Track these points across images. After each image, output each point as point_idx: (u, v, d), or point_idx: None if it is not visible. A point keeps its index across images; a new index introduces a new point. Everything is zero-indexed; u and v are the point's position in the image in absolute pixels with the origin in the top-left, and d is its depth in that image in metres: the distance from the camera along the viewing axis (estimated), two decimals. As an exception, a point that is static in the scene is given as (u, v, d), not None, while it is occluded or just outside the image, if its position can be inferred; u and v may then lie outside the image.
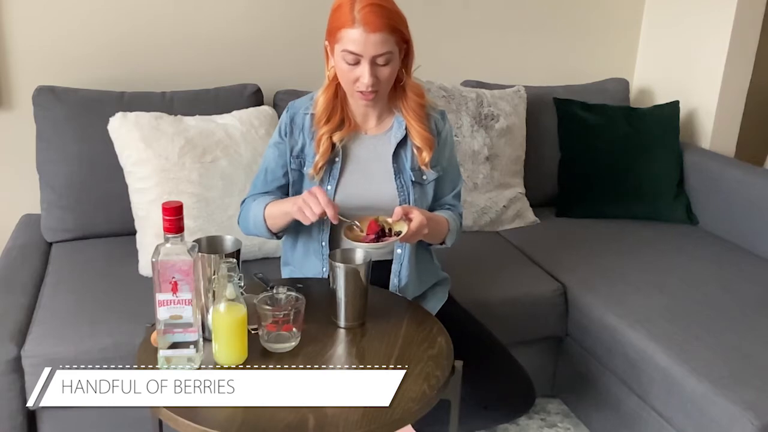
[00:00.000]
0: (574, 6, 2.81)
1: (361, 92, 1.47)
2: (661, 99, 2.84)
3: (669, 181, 2.55)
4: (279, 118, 2.14)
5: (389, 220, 1.47)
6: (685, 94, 2.71)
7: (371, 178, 1.59)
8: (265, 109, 2.17)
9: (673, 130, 2.61)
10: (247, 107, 2.17)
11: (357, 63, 1.44)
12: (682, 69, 2.76)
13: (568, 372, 2.12)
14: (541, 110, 2.59)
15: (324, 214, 1.42)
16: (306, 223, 1.45)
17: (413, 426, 1.55)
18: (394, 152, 1.59)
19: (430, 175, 1.61)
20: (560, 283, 2.07)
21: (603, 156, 2.55)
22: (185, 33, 2.32)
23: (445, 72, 2.53)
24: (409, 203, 1.58)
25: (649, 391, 1.77)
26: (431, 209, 1.65)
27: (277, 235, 1.62)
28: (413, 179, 1.59)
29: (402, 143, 1.59)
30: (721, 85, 2.61)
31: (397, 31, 1.43)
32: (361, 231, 1.46)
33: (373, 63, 1.43)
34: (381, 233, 1.45)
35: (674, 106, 2.63)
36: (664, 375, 1.70)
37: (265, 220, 1.57)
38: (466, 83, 2.59)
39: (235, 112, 2.12)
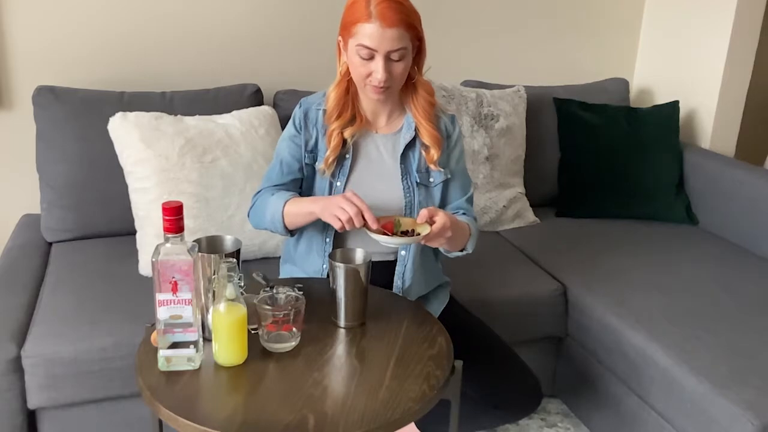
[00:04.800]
0: (574, 6, 2.81)
1: (373, 86, 1.48)
2: (661, 99, 2.84)
3: (669, 181, 2.55)
4: (279, 118, 2.16)
5: (411, 220, 1.49)
6: (685, 94, 2.71)
7: (380, 177, 1.60)
8: (265, 109, 2.17)
9: (673, 130, 2.61)
10: (247, 107, 2.16)
11: (371, 58, 1.45)
12: (682, 69, 2.76)
13: (568, 372, 2.12)
14: (541, 110, 2.59)
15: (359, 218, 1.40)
16: (338, 228, 1.42)
17: (416, 424, 1.55)
18: (403, 153, 1.60)
19: (436, 176, 1.61)
20: (560, 283, 2.07)
21: (603, 156, 2.55)
22: (185, 33, 2.33)
23: (445, 72, 2.52)
24: (414, 205, 1.58)
25: (649, 391, 1.77)
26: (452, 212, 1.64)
27: (291, 233, 1.60)
28: (418, 181, 1.59)
29: (411, 145, 1.60)
30: (721, 85, 2.61)
31: (412, 28, 1.45)
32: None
33: (387, 58, 1.44)
34: (404, 233, 1.46)
35: (674, 106, 2.63)
36: (664, 375, 1.70)
37: (283, 217, 1.54)
38: (466, 83, 2.58)
39: (235, 112, 2.12)
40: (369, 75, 1.47)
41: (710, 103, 2.66)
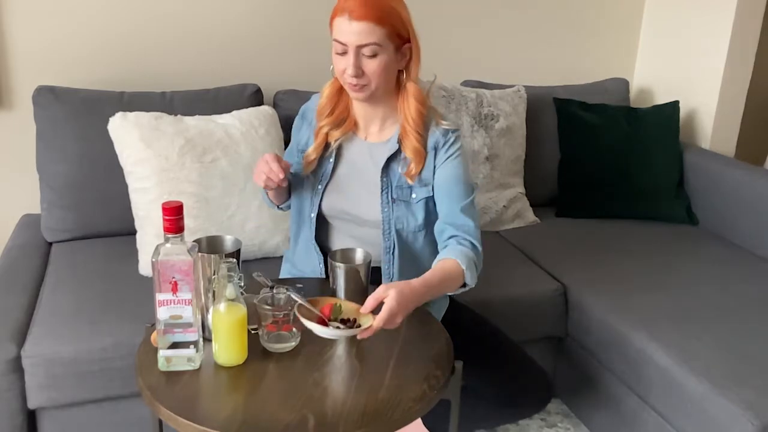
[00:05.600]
0: (574, 6, 2.81)
1: (348, 83, 1.46)
2: (661, 99, 2.84)
3: (669, 181, 2.55)
4: (279, 118, 2.16)
5: (356, 307, 1.27)
6: (685, 94, 2.71)
7: (359, 187, 1.56)
8: (265, 109, 2.16)
9: (673, 130, 2.61)
10: (247, 107, 2.16)
11: (345, 53, 1.42)
12: (682, 69, 2.76)
13: (568, 372, 2.12)
14: (541, 110, 2.59)
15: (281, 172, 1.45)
16: (264, 187, 1.51)
17: (423, 421, 1.55)
18: (388, 165, 1.54)
19: (419, 192, 1.54)
20: (560, 283, 2.07)
21: (603, 156, 2.55)
22: (185, 33, 2.33)
23: (445, 72, 2.52)
24: (392, 221, 1.54)
25: (649, 391, 1.77)
26: (442, 230, 1.52)
27: (279, 207, 1.70)
28: (394, 197, 1.54)
29: (396, 156, 1.54)
30: (721, 85, 2.61)
31: (386, 23, 1.39)
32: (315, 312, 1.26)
33: (358, 53, 1.41)
34: (344, 321, 1.26)
35: (674, 106, 2.63)
36: (664, 375, 1.70)
37: (267, 192, 1.63)
38: (466, 83, 2.58)
39: (235, 112, 2.12)
40: (344, 71, 1.44)
41: (710, 103, 2.66)
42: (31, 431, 1.68)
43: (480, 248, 1.49)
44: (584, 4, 2.82)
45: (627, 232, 2.42)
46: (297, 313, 1.21)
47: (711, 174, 2.51)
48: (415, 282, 1.30)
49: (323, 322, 1.21)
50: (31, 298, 1.80)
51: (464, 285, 1.45)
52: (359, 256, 1.42)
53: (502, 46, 2.75)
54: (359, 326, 1.22)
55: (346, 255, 1.42)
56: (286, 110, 2.17)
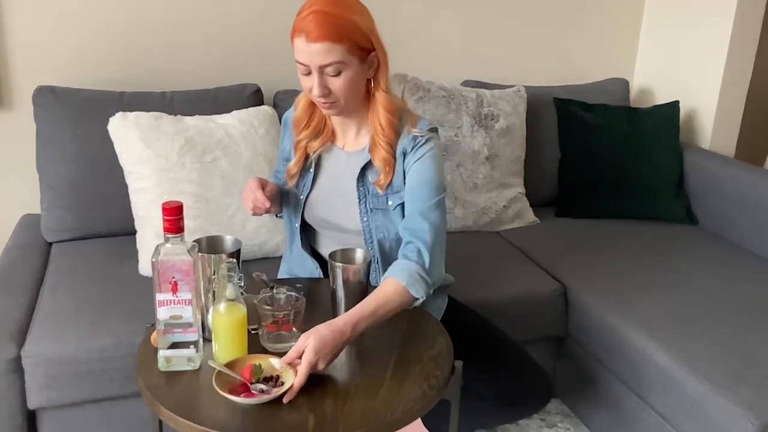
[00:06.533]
0: (574, 6, 2.81)
1: (318, 102, 1.43)
2: (661, 99, 2.84)
3: (669, 181, 2.55)
4: (279, 118, 2.16)
5: (278, 365, 1.20)
6: (685, 94, 2.71)
7: (338, 198, 1.55)
8: (265, 109, 2.17)
9: (673, 130, 2.61)
10: (247, 107, 2.17)
11: (309, 73, 1.39)
12: (682, 69, 2.76)
13: (568, 372, 2.12)
14: (541, 110, 2.59)
15: (266, 201, 1.47)
16: (253, 214, 1.51)
17: (423, 421, 1.55)
18: (363, 174, 1.52)
19: (395, 199, 1.50)
20: (560, 283, 2.07)
21: (603, 156, 2.55)
22: (185, 33, 2.33)
23: (445, 72, 2.53)
24: (372, 229, 1.53)
25: (649, 391, 1.77)
26: (402, 235, 1.47)
27: (278, 215, 1.68)
28: (371, 206, 1.52)
29: (370, 165, 1.51)
30: (721, 85, 2.61)
31: (345, 40, 1.34)
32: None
33: (321, 73, 1.37)
34: (267, 380, 1.19)
35: (674, 106, 2.63)
36: (664, 375, 1.70)
37: None
38: (466, 83, 2.59)
39: (235, 112, 2.12)
40: (311, 91, 1.41)
41: (710, 103, 2.66)
42: (31, 431, 1.68)
43: (427, 256, 1.39)
44: (584, 4, 2.82)
45: (627, 232, 2.42)
46: (214, 384, 1.14)
47: (711, 174, 2.51)
48: (341, 320, 1.24)
49: (245, 386, 1.16)
50: (31, 298, 1.80)
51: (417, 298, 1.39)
52: (359, 256, 1.42)
53: (502, 46, 2.75)
54: (282, 383, 1.17)
55: (346, 255, 1.42)
56: (286, 110, 2.16)
